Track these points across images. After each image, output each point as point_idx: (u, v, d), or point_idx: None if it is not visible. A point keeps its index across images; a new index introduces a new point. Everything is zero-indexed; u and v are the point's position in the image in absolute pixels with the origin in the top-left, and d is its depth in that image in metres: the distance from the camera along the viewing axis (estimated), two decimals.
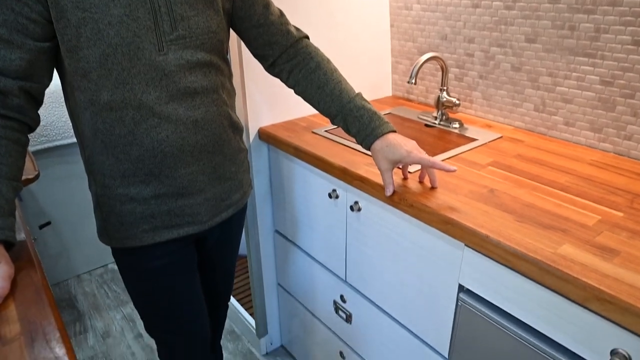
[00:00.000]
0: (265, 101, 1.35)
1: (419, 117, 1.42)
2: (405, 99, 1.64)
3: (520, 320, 0.80)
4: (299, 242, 1.41)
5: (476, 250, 0.82)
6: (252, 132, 1.37)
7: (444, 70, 1.32)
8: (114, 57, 0.78)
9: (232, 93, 1.00)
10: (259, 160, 1.41)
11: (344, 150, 1.17)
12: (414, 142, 0.93)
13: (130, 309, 2.04)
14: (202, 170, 0.92)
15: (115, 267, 2.35)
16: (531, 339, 0.78)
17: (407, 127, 1.35)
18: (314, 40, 1.34)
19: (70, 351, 0.53)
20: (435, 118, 1.37)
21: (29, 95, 0.81)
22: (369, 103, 0.98)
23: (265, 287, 1.62)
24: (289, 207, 1.39)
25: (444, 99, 1.33)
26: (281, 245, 1.51)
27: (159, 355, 1.13)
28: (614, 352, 0.67)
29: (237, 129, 1.00)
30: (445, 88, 1.34)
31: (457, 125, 1.32)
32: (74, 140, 2.04)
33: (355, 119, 0.96)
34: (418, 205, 0.91)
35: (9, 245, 0.72)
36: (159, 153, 0.86)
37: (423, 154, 0.91)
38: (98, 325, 1.96)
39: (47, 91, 0.91)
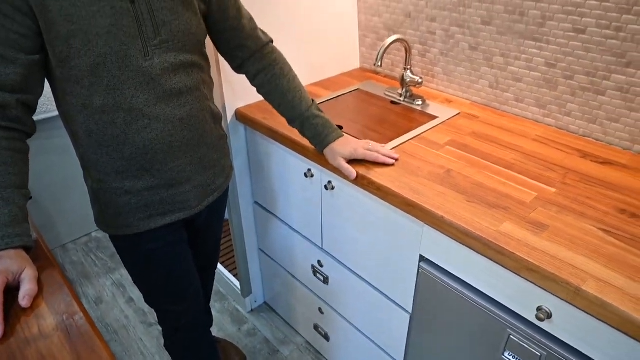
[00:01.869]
0: (240, 82, 1.42)
1: (385, 94, 1.52)
2: (372, 71, 1.73)
3: (469, 284, 0.97)
4: (277, 214, 1.53)
5: (434, 228, 0.97)
6: (230, 113, 1.44)
7: (408, 51, 1.41)
8: (104, 65, 0.84)
9: (211, 86, 1.08)
10: (237, 140, 1.50)
11: None
12: (358, 141, 1.12)
13: (119, 275, 2.16)
14: (190, 162, 1.02)
15: (99, 234, 2.44)
16: (477, 299, 0.95)
17: (374, 104, 1.46)
18: (287, 15, 1.40)
19: (102, 341, 0.65)
20: (400, 95, 1.47)
21: (26, 106, 0.86)
22: (322, 112, 1.14)
23: (248, 251, 1.76)
24: (267, 182, 1.50)
25: (408, 79, 1.43)
26: (261, 215, 1.64)
27: (159, 323, 1.26)
28: (539, 309, 0.84)
29: (217, 118, 1.09)
30: (409, 67, 1.44)
31: (420, 102, 1.43)
32: (52, 114, 2.05)
33: (311, 126, 1.12)
34: (384, 189, 1.04)
35: (28, 249, 0.81)
36: (150, 150, 0.95)
37: (367, 151, 1.10)
38: (90, 292, 2.07)
39: None
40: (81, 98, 0.88)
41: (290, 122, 1.15)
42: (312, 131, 1.12)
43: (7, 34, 0.79)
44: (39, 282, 0.76)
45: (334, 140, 1.11)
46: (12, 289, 0.74)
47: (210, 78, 1.07)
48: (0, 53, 0.79)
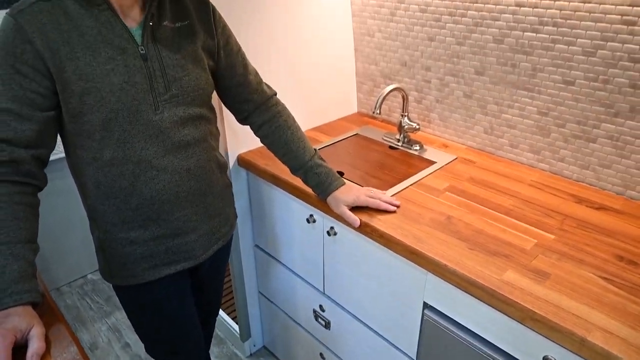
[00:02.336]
0: (242, 129, 1.45)
1: (383, 139, 1.56)
2: (369, 115, 1.78)
3: (474, 332, 0.98)
4: (279, 257, 1.54)
5: (437, 276, 0.98)
6: (232, 159, 1.47)
7: (405, 99, 1.47)
8: (115, 120, 0.87)
9: (217, 136, 1.11)
10: (238, 184, 1.52)
11: None
12: (360, 188, 1.15)
13: (114, 319, 2.12)
14: (195, 211, 1.03)
15: (95, 276, 2.41)
16: (483, 347, 0.96)
17: (373, 150, 1.50)
18: (288, 61, 1.46)
19: None
20: (398, 140, 1.51)
21: (39, 160, 0.88)
22: (324, 161, 1.17)
23: (248, 295, 1.75)
24: (268, 226, 1.52)
25: (406, 125, 1.48)
26: (261, 259, 1.64)
27: None
28: (545, 358, 0.85)
29: (223, 168, 1.11)
30: (406, 114, 1.49)
31: (417, 147, 1.47)
32: (55, 157, 2.06)
33: (314, 175, 1.15)
34: (387, 237, 1.05)
35: (35, 305, 0.81)
36: (157, 201, 0.96)
37: (369, 199, 1.12)
38: (84, 337, 2.03)
39: None
40: (92, 151, 0.90)
41: (294, 171, 1.18)
42: (315, 180, 1.15)
43: (24, 93, 0.81)
44: (46, 338, 0.76)
45: (337, 189, 1.14)
46: (20, 347, 0.74)
47: (217, 129, 1.10)
48: (17, 111, 0.82)
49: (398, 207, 1.14)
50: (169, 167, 0.95)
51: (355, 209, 1.13)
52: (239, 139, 1.46)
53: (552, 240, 1.02)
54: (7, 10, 0.80)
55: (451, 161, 1.39)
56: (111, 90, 0.85)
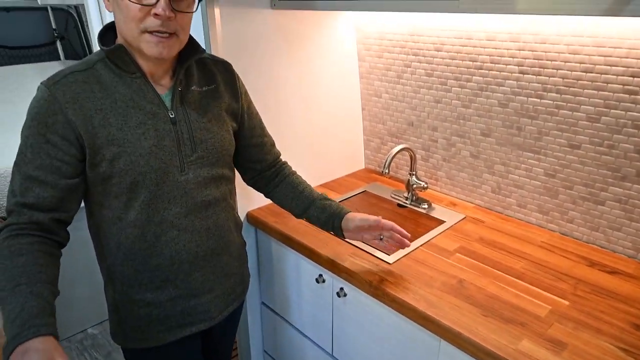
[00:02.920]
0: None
1: (391, 196, 1.57)
2: (377, 172, 1.80)
3: None
4: (286, 316, 1.51)
5: (451, 344, 0.96)
6: (241, 216, 1.48)
7: (413, 158, 1.49)
8: (143, 182, 0.89)
9: (235, 196, 1.12)
10: (247, 241, 1.51)
11: (330, 239, 1.30)
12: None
13: None
14: (213, 271, 1.03)
15: (95, 330, 2.35)
16: None
17: (382, 207, 1.51)
18: (297, 118, 1.52)
19: None
20: (407, 198, 1.52)
21: (59, 221, 0.89)
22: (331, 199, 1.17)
23: (252, 353, 1.70)
24: (276, 284, 1.50)
25: (414, 184, 1.49)
26: (268, 317, 1.61)
27: None
28: None
29: (239, 227, 1.13)
30: (414, 173, 1.51)
31: (426, 206, 1.48)
32: None
33: (326, 204, 1.13)
34: (399, 301, 1.04)
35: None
36: (177, 261, 0.96)
37: (382, 219, 1.09)
38: None
39: None
40: (117, 211, 0.92)
41: (304, 209, 1.15)
42: (327, 212, 1.12)
43: (51, 161, 0.84)
44: None
45: (347, 213, 1.12)
46: None
47: (235, 188, 1.12)
48: (42, 178, 0.84)
49: (409, 241, 1.12)
50: (190, 227, 0.96)
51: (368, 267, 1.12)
52: (248, 197, 1.47)
53: (566, 307, 1.01)
54: (44, 81, 0.84)
55: (460, 220, 1.40)
56: (141, 154, 0.88)
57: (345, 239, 1.16)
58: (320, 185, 1.69)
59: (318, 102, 1.60)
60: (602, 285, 1.08)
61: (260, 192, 1.22)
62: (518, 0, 0.88)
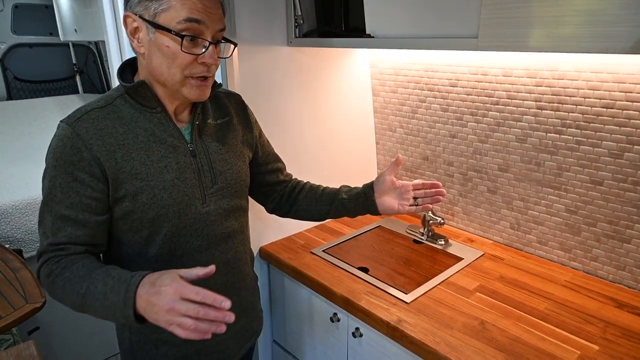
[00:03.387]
0: (265, 220, 1.45)
1: (407, 232, 1.54)
2: None
3: None
4: (298, 355, 1.46)
5: None
6: (254, 250, 1.45)
7: None
8: (165, 216, 0.88)
9: (249, 228, 1.11)
10: (258, 275, 1.49)
11: (345, 276, 1.27)
12: None
13: None
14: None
15: None
16: None
17: (397, 244, 1.47)
18: (310, 152, 1.53)
19: None
20: (423, 234, 1.49)
21: (93, 247, 0.89)
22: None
23: None
24: (288, 322, 1.46)
25: (430, 220, 1.46)
26: (279, 356, 1.55)
27: None
28: None
29: (252, 260, 1.11)
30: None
31: (442, 242, 1.44)
32: None
33: (350, 189, 1.14)
34: (418, 343, 1.00)
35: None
36: None
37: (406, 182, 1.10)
38: None
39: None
40: (138, 247, 0.90)
41: (331, 203, 1.13)
42: (353, 191, 1.12)
43: (80, 199, 0.83)
44: None
45: (370, 186, 1.11)
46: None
47: (248, 220, 1.10)
48: (73, 217, 0.83)
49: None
50: (210, 261, 0.94)
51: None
52: (261, 231, 1.45)
53: (596, 352, 0.95)
54: (64, 119, 0.84)
55: (479, 257, 1.35)
56: (164, 187, 0.87)
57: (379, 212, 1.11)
58: (334, 220, 1.66)
59: (332, 137, 1.60)
60: (633, 329, 1.03)
61: (283, 212, 1.19)
62: (540, 38, 0.87)
